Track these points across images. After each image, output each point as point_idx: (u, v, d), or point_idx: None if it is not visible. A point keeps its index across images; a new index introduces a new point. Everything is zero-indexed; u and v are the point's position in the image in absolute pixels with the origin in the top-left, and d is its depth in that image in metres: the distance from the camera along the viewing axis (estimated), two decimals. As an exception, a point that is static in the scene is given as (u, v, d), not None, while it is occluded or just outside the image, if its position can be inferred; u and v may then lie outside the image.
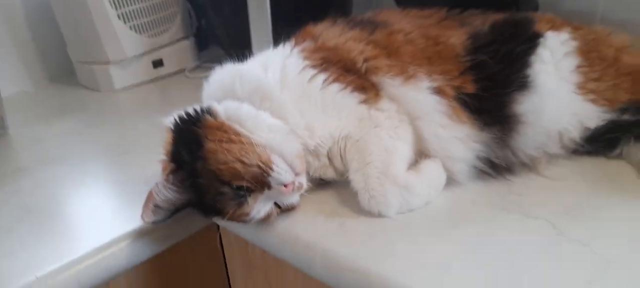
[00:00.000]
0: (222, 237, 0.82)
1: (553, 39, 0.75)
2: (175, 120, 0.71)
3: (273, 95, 0.72)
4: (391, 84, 0.72)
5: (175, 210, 0.71)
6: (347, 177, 0.71)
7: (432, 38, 0.76)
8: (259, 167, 0.63)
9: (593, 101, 0.73)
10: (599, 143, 0.74)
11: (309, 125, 0.71)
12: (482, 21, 0.79)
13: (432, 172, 0.70)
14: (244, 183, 0.64)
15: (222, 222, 0.76)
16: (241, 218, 0.66)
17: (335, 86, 0.72)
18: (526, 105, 0.71)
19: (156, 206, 0.68)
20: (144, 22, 1.35)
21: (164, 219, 0.70)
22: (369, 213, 0.68)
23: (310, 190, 0.71)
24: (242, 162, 0.63)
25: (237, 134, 0.66)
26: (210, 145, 0.65)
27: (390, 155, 0.68)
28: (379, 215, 0.68)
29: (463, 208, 0.69)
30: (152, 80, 1.40)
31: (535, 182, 0.72)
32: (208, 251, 0.82)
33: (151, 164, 0.73)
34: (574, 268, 0.56)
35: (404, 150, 0.70)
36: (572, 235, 0.60)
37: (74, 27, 1.35)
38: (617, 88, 0.74)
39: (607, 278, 0.54)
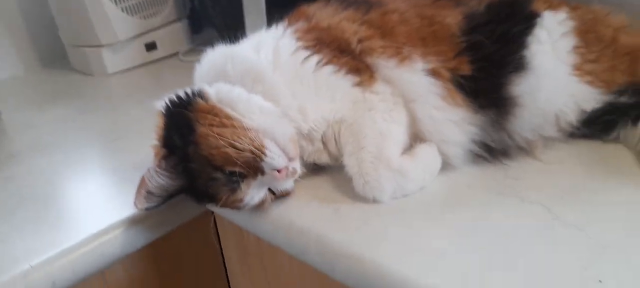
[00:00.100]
0: (217, 223, 0.82)
1: (550, 19, 0.74)
2: (166, 103, 0.70)
3: (265, 76, 0.71)
4: (385, 65, 0.71)
5: (168, 196, 0.70)
6: (342, 161, 0.70)
7: (427, 18, 0.75)
8: (252, 152, 0.63)
9: (590, 83, 0.72)
10: (596, 126, 0.73)
11: (302, 108, 0.69)
12: (478, 1, 0.77)
13: (427, 157, 0.70)
14: (237, 169, 0.63)
15: (215, 209, 0.75)
16: (235, 205, 0.66)
17: (329, 68, 0.70)
18: (522, 87, 0.70)
19: (149, 192, 0.67)
20: (136, 3, 1.33)
21: (157, 205, 0.69)
22: (363, 199, 0.67)
23: (304, 176, 0.71)
24: (234, 147, 0.62)
25: (229, 117, 0.65)
26: (201, 129, 0.64)
27: (385, 139, 0.68)
28: (374, 201, 0.67)
29: (458, 193, 0.68)
30: (145, 64, 1.38)
31: (531, 166, 0.71)
32: (203, 238, 0.82)
33: (145, 150, 0.72)
34: (569, 252, 0.56)
35: (399, 133, 0.69)
36: (568, 220, 0.60)
37: (66, 10, 1.33)
38: (615, 69, 0.72)
39: (603, 263, 0.53)
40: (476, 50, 0.71)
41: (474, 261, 0.56)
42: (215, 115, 0.66)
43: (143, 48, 1.37)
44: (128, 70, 1.36)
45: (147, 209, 0.68)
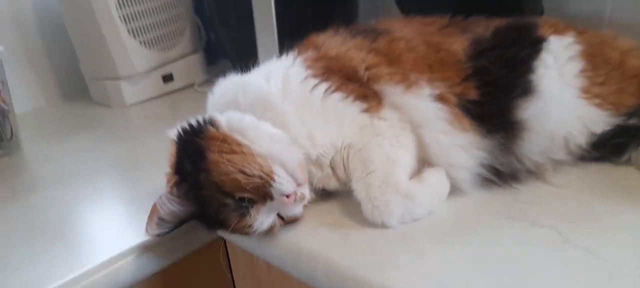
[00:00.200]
0: (228, 250, 0.83)
1: (556, 43, 0.74)
2: (178, 131, 0.72)
3: (275, 105, 0.72)
4: (393, 92, 0.72)
5: (179, 223, 0.71)
6: (350, 187, 0.70)
7: (433, 45, 0.76)
8: (261, 177, 0.64)
9: (598, 105, 0.72)
10: (606, 148, 0.73)
11: (311, 135, 0.71)
12: (484, 27, 0.78)
13: (435, 181, 0.70)
14: (246, 195, 0.64)
15: (225, 235, 0.76)
16: (244, 230, 0.66)
17: (337, 95, 0.72)
18: (530, 111, 0.70)
19: (160, 219, 0.68)
20: (154, 37, 1.37)
21: (168, 232, 0.70)
22: (372, 224, 0.67)
23: (313, 201, 0.72)
24: (244, 173, 0.64)
25: (239, 144, 0.67)
26: (212, 156, 0.65)
27: (392, 164, 0.68)
28: (382, 225, 0.67)
29: (467, 217, 0.68)
30: (162, 95, 1.42)
31: (541, 190, 0.71)
32: (213, 265, 0.82)
33: (161, 179, 0.73)
34: (580, 275, 0.55)
35: (406, 158, 0.70)
36: (579, 243, 0.59)
37: (86, 44, 1.38)
38: (623, 92, 0.72)
39: (614, 286, 0.53)
40: (483, 75, 0.72)
41: (483, 286, 0.55)
42: (226, 142, 0.67)
43: (160, 80, 1.41)
44: (145, 101, 1.39)
45: (158, 235, 0.69)
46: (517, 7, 0.92)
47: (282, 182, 0.64)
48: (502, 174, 0.71)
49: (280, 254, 0.69)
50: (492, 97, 0.71)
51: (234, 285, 0.87)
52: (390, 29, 0.81)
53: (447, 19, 0.83)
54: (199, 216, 0.70)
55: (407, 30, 0.80)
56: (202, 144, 0.67)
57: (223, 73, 0.81)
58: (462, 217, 0.68)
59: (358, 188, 0.69)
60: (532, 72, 0.72)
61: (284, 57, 0.82)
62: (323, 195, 0.75)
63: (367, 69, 0.74)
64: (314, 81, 0.73)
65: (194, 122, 0.71)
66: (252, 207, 0.65)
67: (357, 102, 0.71)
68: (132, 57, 1.33)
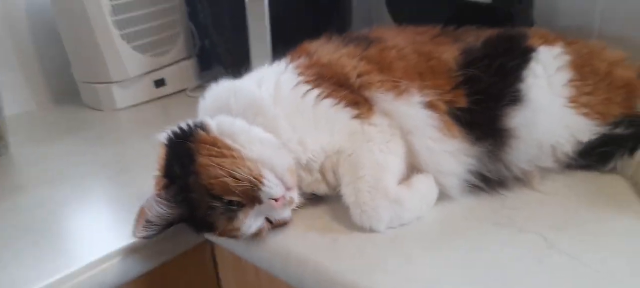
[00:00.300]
0: (215, 253, 0.82)
1: (545, 53, 0.75)
2: (168, 135, 0.71)
3: (266, 110, 0.72)
4: (383, 98, 0.72)
5: (167, 225, 0.70)
6: (340, 191, 0.71)
7: (424, 54, 0.77)
8: (250, 181, 0.64)
9: (586, 115, 0.73)
10: (592, 157, 0.74)
11: (301, 140, 0.71)
12: (475, 37, 0.79)
13: (424, 187, 0.70)
14: (235, 198, 0.64)
15: (213, 238, 0.75)
16: (232, 234, 0.66)
17: (328, 101, 0.72)
18: (518, 119, 0.71)
19: (148, 221, 0.67)
20: (147, 43, 1.36)
21: (155, 234, 0.69)
22: (361, 229, 0.68)
23: (303, 206, 0.72)
24: (233, 176, 0.64)
25: (229, 148, 0.67)
26: (201, 159, 0.65)
27: (382, 170, 0.68)
28: (371, 230, 0.67)
29: (455, 223, 0.68)
30: (153, 100, 1.41)
31: (528, 197, 0.72)
32: (200, 268, 0.82)
33: (149, 182, 0.73)
34: (566, 281, 0.55)
35: (396, 164, 0.70)
36: (564, 249, 0.60)
37: (78, 47, 1.38)
38: (610, 102, 0.73)
39: (599, 292, 0.53)
40: (473, 83, 0.73)
41: (470, 291, 0.56)
42: (216, 146, 0.67)
43: (152, 84, 1.41)
44: (137, 105, 1.39)
45: (145, 237, 0.69)
46: (507, 18, 0.93)
47: (271, 186, 0.64)
48: (490, 181, 0.72)
49: (269, 257, 0.69)
50: (482, 105, 0.72)
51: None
52: (382, 38, 0.81)
53: (438, 29, 0.84)
54: (187, 219, 0.70)
55: (399, 39, 0.81)
56: (192, 147, 0.67)
57: (215, 79, 0.81)
58: (450, 222, 0.68)
59: (347, 192, 0.69)
60: (521, 81, 0.73)
61: (276, 63, 0.82)
62: (312, 199, 0.75)
63: (358, 76, 0.75)
64: (305, 87, 0.74)
65: (184, 126, 0.71)
66: (241, 210, 0.65)
67: (348, 108, 0.72)
68: (125, 62, 1.33)
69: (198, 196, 0.65)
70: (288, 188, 0.67)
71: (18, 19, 1.40)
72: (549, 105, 0.72)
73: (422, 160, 0.71)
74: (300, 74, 0.76)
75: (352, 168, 0.70)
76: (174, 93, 1.44)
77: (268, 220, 0.68)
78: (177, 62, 1.45)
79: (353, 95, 0.74)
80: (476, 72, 0.73)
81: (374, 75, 0.75)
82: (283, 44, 0.89)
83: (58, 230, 0.80)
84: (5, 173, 1.05)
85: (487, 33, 0.80)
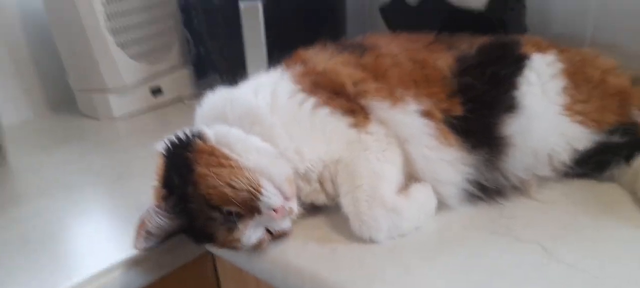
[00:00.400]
0: (217, 266, 0.82)
1: (539, 61, 0.76)
2: (166, 145, 0.71)
3: (263, 119, 0.73)
4: (379, 107, 0.73)
5: (167, 236, 0.70)
6: (338, 201, 0.71)
7: (419, 61, 0.77)
8: (248, 191, 0.64)
9: (581, 122, 0.73)
10: (589, 165, 0.74)
11: (299, 149, 0.71)
12: (469, 44, 0.80)
13: (422, 196, 0.70)
14: (234, 208, 0.64)
15: (214, 249, 0.75)
16: (232, 245, 0.66)
17: (325, 110, 0.72)
18: (514, 127, 0.72)
19: (148, 233, 0.68)
20: (143, 50, 1.36)
21: (156, 245, 0.70)
22: (360, 239, 0.68)
23: (301, 216, 0.72)
24: (232, 186, 0.64)
25: (227, 157, 0.67)
26: (200, 169, 0.65)
27: (379, 178, 0.69)
28: (370, 240, 0.67)
29: (453, 232, 0.68)
30: (150, 108, 1.41)
31: (526, 205, 0.72)
32: (201, 280, 0.82)
33: (147, 191, 0.73)
34: (563, 290, 0.56)
35: (392, 173, 0.70)
36: (562, 258, 0.60)
37: (74, 56, 1.37)
38: (605, 109, 0.74)
39: (596, 300, 0.54)
40: (468, 91, 0.73)
41: (468, 300, 0.56)
42: (214, 155, 0.67)
43: (148, 92, 1.40)
44: (134, 114, 1.39)
45: (145, 249, 0.69)
46: (500, 26, 0.94)
47: (270, 196, 0.64)
48: (487, 190, 0.72)
49: (269, 269, 0.69)
50: (477, 113, 0.72)
51: (220, 300, 0.86)
52: (376, 45, 0.82)
53: (432, 36, 0.84)
54: (187, 230, 0.70)
55: (393, 46, 0.81)
56: (189, 157, 0.67)
57: (212, 87, 0.81)
58: (449, 232, 0.69)
59: (346, 202, 0.69)
60: (515, 88, 0.73)
61: (272, 71, 0.82)
62: (311, 209, 0.75)
63: (354, 84, 0.75)
64: (302, 96, 0.74)
65: (181, 135, 0.71)
66: (240, 221, 0.65)
67: (345, 117, 0.72)
68: (121, 70, 1.33)
69: (197, 206, 0.65)
70: (287, 198, 0.67)
71: (13, 27, 1.40)
72: (544, 113, 0.73)
73: (419, 169, 0.72)
74: (296, 83, 0.76)
75: (350, 178, 0.70)
76: (171, 101, 1.44)
77: (268, 231, 0.68)
78: (173, 70, 1.45)
79: (349, 103, 0.74)
80: (471, 80, 0.73)
81: (369, 83, 0.75)
82: (278, 50, 0.90)
83: (57, 242, 0.80)
84: (3, 183, 1.05)
85: (481, 40, 0.81)
